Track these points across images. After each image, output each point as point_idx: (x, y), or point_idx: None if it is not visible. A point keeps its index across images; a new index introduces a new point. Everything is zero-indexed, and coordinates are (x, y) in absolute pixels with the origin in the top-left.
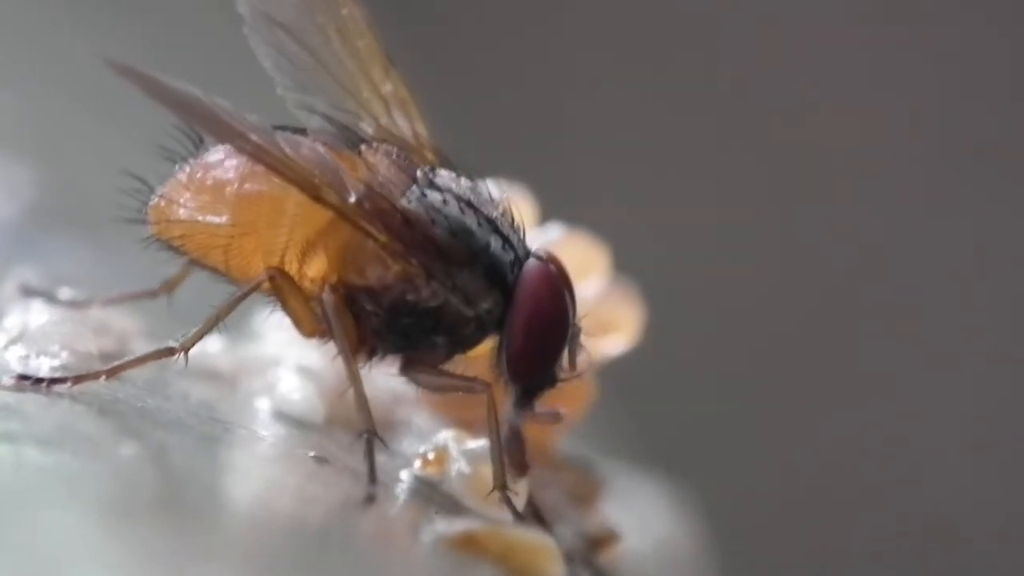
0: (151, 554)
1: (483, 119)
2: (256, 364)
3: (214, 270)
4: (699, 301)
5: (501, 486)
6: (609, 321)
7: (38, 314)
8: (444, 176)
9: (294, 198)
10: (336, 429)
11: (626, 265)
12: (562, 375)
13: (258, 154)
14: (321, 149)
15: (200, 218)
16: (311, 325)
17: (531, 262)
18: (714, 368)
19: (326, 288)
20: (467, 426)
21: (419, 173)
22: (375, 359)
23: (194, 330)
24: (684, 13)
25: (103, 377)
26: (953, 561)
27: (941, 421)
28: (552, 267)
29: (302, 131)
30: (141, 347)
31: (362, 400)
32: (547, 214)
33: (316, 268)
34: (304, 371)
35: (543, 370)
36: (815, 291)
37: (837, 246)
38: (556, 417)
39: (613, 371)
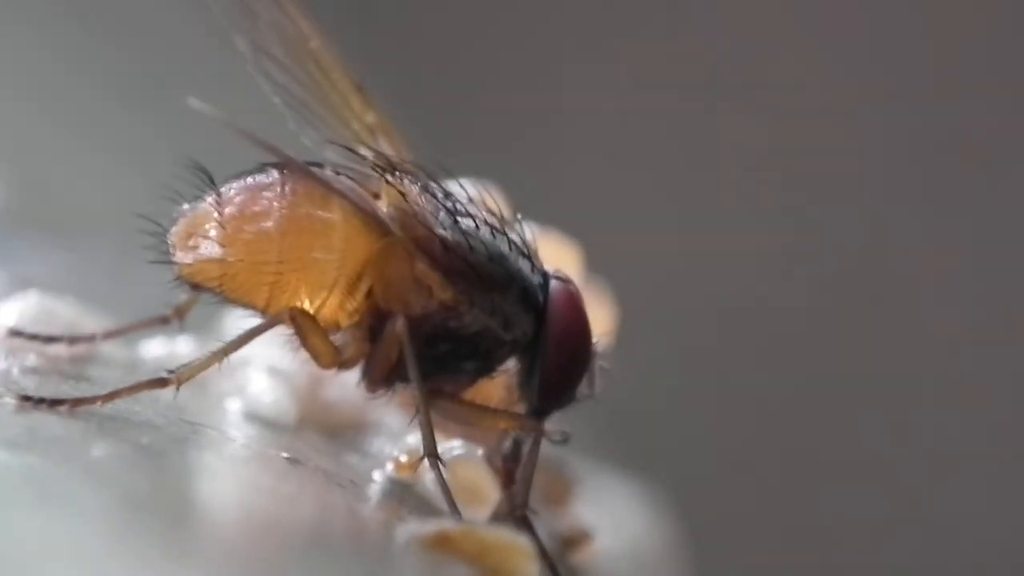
0: (122, 555)
1: (452, 118)
2: (226, 365)
3: (251, 307)
4: (671, 300)
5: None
6: None
7: (7, 316)
8: (462, 199)
9: (339, 232)
10: (307, 430)
11: (598, 264)
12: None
13: (336, 187)
14: (348, 182)
15: (243, 258)
16: (331, 357)
17: (555, 284)
18: (685, 366)
19: (399, 318)
20: (438, 427)
21: (439, 198)
22: (396, 386)
23: (194, 363)
24: (648, 9)
25: (99, 402)
26: (928, 558)
27: (912, 420)
28: (572, 288)
29: (318, 164)
30: (110, 349)
31: (429, 423)
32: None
33: (359, 301)
34: (275, 372)
35: (572, 391)
36: (789, 286)
37: (810, 242)
38: (565, 437)
39: None
